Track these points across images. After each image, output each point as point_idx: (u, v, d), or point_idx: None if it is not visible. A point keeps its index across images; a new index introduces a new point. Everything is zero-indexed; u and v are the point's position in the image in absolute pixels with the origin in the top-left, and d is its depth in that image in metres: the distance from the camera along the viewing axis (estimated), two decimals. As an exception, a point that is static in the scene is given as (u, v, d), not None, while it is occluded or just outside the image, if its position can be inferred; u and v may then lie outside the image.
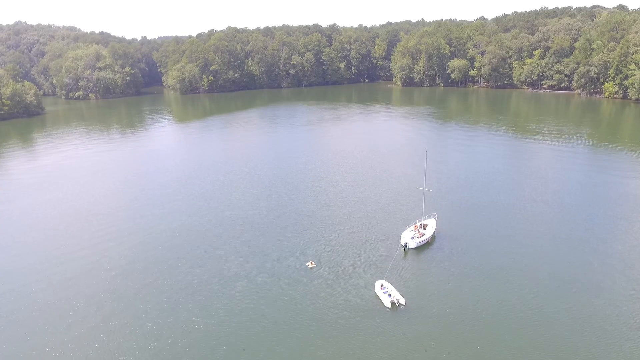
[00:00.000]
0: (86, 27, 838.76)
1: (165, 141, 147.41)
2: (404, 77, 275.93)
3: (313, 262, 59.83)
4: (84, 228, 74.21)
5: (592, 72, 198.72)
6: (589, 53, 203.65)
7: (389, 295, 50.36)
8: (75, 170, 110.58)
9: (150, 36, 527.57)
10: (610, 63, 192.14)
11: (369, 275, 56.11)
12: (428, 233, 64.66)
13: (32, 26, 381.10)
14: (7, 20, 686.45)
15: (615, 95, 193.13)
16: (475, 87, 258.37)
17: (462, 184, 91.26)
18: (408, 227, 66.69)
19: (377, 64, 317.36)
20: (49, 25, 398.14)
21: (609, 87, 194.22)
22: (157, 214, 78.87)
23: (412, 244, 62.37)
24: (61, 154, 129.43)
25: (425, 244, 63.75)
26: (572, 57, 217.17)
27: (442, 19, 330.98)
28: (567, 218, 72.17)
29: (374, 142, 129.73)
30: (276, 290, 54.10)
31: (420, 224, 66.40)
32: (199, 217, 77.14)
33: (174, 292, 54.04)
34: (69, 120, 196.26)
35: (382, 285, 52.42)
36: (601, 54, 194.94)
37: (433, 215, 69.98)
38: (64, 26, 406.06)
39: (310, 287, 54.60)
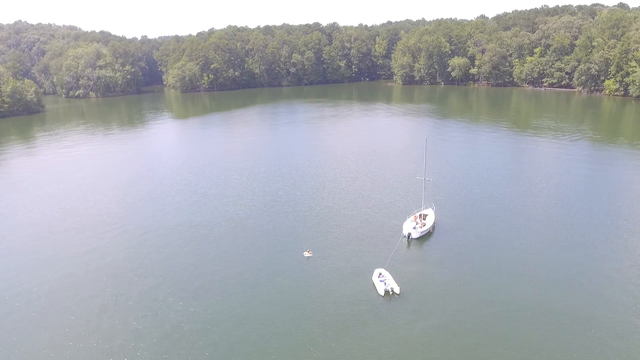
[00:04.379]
0: (87, 26, 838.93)
1: (164, 139, 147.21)
2: (404, 75, 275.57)
3: (310, 252, 59.43)
4: (82, 225, 73.83)
5: (593, 70, 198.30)
6: (589, 50, 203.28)
7: (385, 283, 49.94)
8: (74, 167, 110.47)
9: (151, 36, 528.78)
10: (611, 60, 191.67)
11: (368, 264, 55.71)
12: (429, 223, 64.48)
13: (32, 25, 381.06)
14: (8, 19, 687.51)
15: (616, 93, 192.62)
16: (475, 85, 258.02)
17: (461, 176, 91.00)
18: (408, 217, 66.42)
19: (378, 63, 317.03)
20: (50, 25, 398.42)
21: (610, 84, 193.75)
22: (155, 211, 77.97)
23: (414, 234, 62.03)
24: (60, 151, 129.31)
25: (426, 234, 63.51)
26: (572, 54, 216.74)
27: (442, 18, 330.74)
28: (569, 212, 71.46)
29: (374, 138, 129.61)
30: (270, 278, 53.77)
31: (420, 214, 66.11)
32: (195, 213, 76.50)
33: (170, 288, 53.42)
34: (69, 118, 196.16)
35: (380, 274, 52.09)
36: (602, 51, 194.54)
37: (431, 205, 69.93)
38: (64, 25, 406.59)
39: (305, 275, 54.25)
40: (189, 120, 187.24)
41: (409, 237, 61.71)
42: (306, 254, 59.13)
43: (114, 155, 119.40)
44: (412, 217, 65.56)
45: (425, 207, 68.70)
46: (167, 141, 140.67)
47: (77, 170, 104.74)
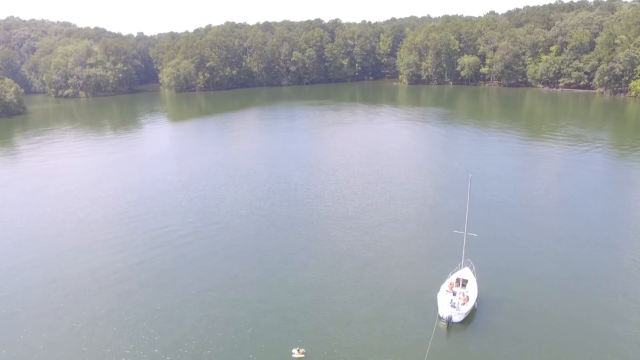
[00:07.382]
0: (82, 22, 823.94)
1: (150, 146, 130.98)
2: (410, 74, 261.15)
3: (301, 350, 42.27)
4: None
5: (617, 70, 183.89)
6: (612, 49, 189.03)
7: None
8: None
9: (148, 32, 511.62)
10: (637, 59, 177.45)
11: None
12: (472, 294, 46.90)
13: (24, 21, 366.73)
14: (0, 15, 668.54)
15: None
16: (486, 85, 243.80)
17: (494, 213, 72.66)
18: (441, 284, 49.51)
19: (382, 61, 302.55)
20: (43, 21, 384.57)
21: (636, 85, 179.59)
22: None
23: (456, 317, 44.30)
24: (41, 158, 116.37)
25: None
26: (592, 53, 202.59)
27: (448, 15, 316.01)
28: None
29: (382, 157, 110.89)
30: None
31: (457, 279, 49.09)
32: (136, 278, 55.97)
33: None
34: (53, 120, 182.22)
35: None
36: (627, 49, 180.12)
37: (467, 262, 51.12)
38: (58, 21, 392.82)
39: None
40: (178, 125, 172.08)
41: (448, 322, 44.28)
42: (296, 353, 42.11)
43: (97, 162, 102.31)
44: (447, 284, 48.79)
45: (462, 267, 50.84)
46: (153, 149, 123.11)
47: (35, 191, 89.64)
